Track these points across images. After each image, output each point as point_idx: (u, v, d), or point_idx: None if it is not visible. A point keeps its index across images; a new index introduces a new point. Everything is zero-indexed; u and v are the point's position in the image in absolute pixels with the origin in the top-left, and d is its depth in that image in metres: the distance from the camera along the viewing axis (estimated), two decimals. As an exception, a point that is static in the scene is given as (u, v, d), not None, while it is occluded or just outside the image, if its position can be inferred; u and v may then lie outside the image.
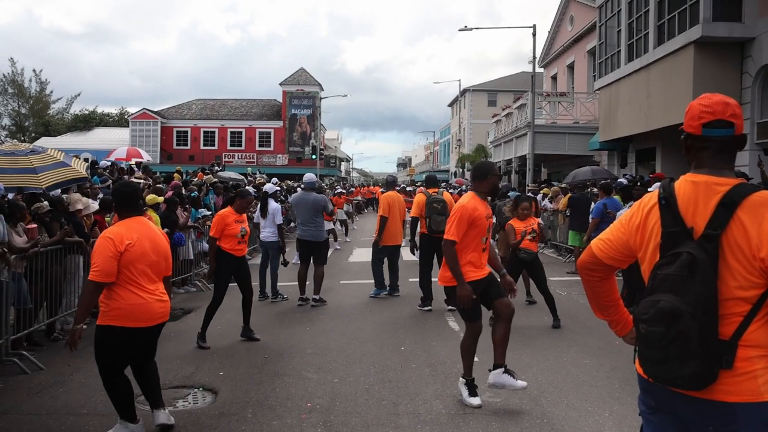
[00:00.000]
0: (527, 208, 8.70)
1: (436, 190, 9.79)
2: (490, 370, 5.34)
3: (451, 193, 20.21)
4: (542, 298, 8.58)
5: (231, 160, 50.44)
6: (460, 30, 28.92)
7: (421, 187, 13.12)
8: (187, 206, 11.50)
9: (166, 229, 9.68)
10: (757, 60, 15.93)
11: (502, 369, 5.28)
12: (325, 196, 10.99)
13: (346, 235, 20.43)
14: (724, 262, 2.11)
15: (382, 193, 11.32)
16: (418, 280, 9.82)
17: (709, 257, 2.10)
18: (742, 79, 16.58)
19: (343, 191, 26.34)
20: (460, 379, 5.40)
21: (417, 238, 10.14)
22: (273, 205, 10.37)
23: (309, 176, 10.12)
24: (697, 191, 2.22)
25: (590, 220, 11.54)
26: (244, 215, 7.91)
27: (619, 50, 21.55)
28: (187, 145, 53.77)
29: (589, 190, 15.20)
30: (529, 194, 13.69)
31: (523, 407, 5.25)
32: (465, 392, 5.29)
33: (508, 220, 9.07)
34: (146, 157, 21.63)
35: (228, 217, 7.64)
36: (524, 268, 8.64)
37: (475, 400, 5.21)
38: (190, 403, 5.47)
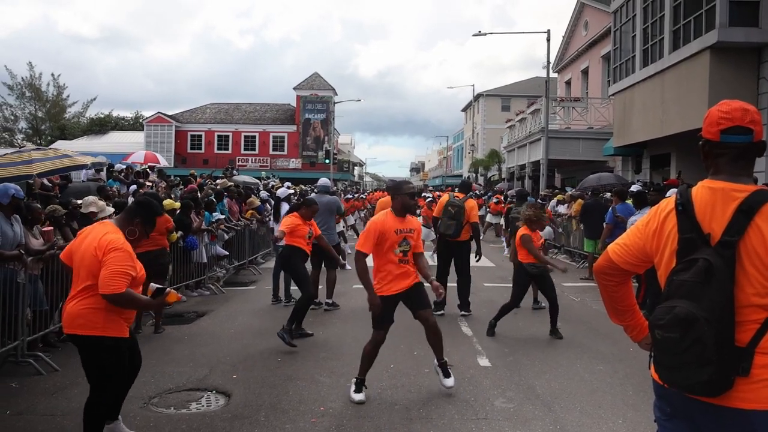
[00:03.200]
0: (542, 218, 8.52)
1: (463, 195, 9.69)
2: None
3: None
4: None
5: (245, 164, 50.65)
6: (474, 35, 28.97)
7: (450, 191, 13.03)
8: (201, 210, 11.53)
9: (179, 232, 9.76)
10: (774, 65, 15.82)
11: (437, 363, 5.80)
12: (337, 198, 11.01)
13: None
14: (741, 269, 2.10)
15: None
16: (429, 285, 9.80)
17: (726, 264, 2.10)
18: (759, 85, 16.45)
19: (350, 197, 26.18)
20: (353, 379, 5.66)
21: (433, 241, 10.13)
22: (286, 208, 10.40)
23: (323, 180, 10.18)
24: (714, 197, 2.21)
25: (604, 226, 11.51)
26: (312, 221, 8.34)
27: (634, 55, 21.46)
28: (201, 148, 54.08)
29: (602, 195, 15.11)
30: (538, 201, 13.69)
31: (536, 413, 5.23)
32: (352, 388, 5.59)
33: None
34: (163, 162, 21.76)
35: (295, 220, 8.13)
36: (532, 279, 8.31)
37: (358, 396, 5.50)
38: (203, 406, 5.49)
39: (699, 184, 2.31)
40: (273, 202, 15.97)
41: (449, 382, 5.70)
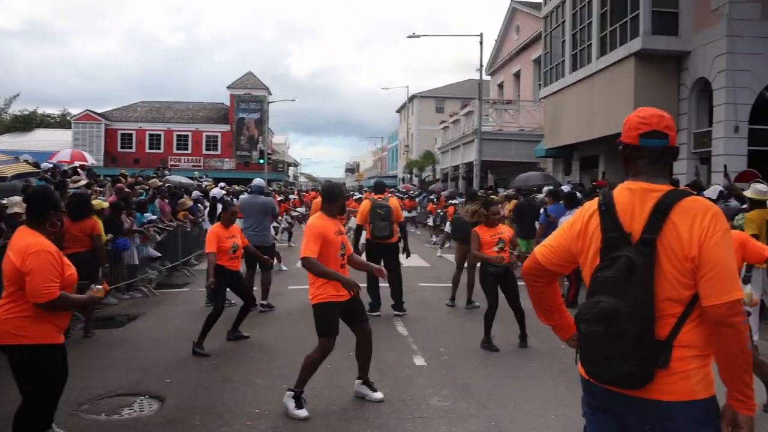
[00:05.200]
0: (497, 212, 7.90)
1: (383, 195, 9.84)
2: (288, 388, 5.40)
3: (400, 198, 20.23)
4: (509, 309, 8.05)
5: (177, 163, 49.57)
6: (408, 37, 29.21)
7: (368, 193, 13.03)
8: (132, 210, 11.26)
9: (110, 235, 9.51)
10: (693, 73, 16.54)
11: (361, 380, 5.68)
12: (272, 199, 10.92)
13: (289, 240, 20.10)
14: (658, 265, 2.22)
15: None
16: (363, 285, 9.86)
17: (646, 260, 2.22)
18: (679, 91, 17.18)
19: (283, 200, 25.91)
20: (288, 392, 5.35)
21: (360, 246, 10.14)
22: (221, 209, 10.26)
23: (258, 180, 10.09)
24: (633, 198, 2.34)
25: (537, 226, 11.80)
26: (233, 229, 7.84)
27: (564, 60, 22.07)
28: (132, 148, 52.64)
29: (534, 196, 15.46)
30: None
31: (471, 411, 5.33)
32: (291, 404, 5.25)
33: (471, 227, 8.15)
34: (91, 161, 21.10)
35: (220, 233, 7.56)
36: (497, 282, 7.75)
37: (302, 413, 5.20)
38: (136, 411, 5.37)
39: (620, 186, 2.44)
40: (206, 203, 15.75)
41: (378, 395, 5.57)
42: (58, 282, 3.82)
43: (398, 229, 9.58)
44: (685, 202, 2.24)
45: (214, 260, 7.37)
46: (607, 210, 2.37)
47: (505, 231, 7.94)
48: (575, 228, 2.49)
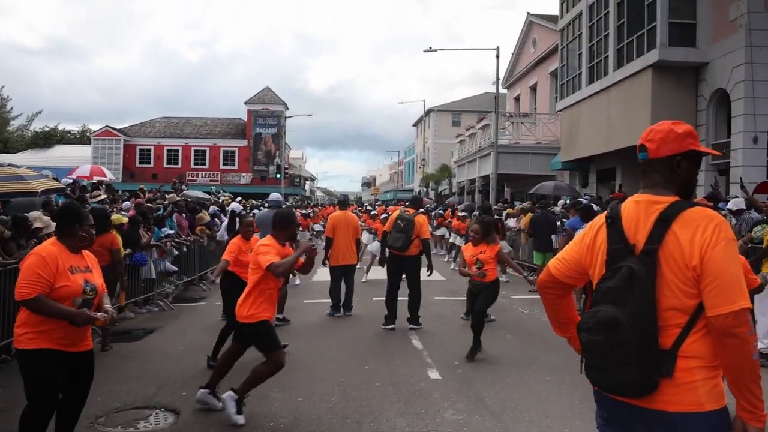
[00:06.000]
0: (477, 232, 7.84)
1: (413, 210, 9.89)
2: (232, 389, 5.41)
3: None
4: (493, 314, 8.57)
5: (194, 178, 49.98)
6: (425, 51, 29.29)
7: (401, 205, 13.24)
8: (150, 225, 11.36)
9: (128, 249, 9.60)
10: (711, 84, 16.45)
11: (234, 393, 5.39)
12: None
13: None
14: (661, 275, 2.23)
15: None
16: (381, 299, 9.87)
17: (648, 270, 2.23)
18: (697, 102, 17.09)
19: (309, 213, 26.10)
20: (231, 392, 5.38)
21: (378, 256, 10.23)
22: (240, 224, 10.33)
23: (275, 195, 10.18)
24: (638, 210, 2.36)
25: (553, 239, 11.79)
26: (253, 242, 7.77)
27: (581, 72, 22.04)
28: (150, 163, 53.20)
29: (551, 209, 15.41)
30: (494, 216, 13.89)
31: (485, 424, 5.29)
32: (233, 408, 5.30)
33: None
34: (109, 176, 21.33)
35: (241, 245, 7.58)
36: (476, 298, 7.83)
37: (240, 419, 5.26)
38: (151, 425, 5.40)
39: (628, 199, 2.46)
40: (223, 218, 15.85)
41: (240, 419, 5.30)
42: (39, 284, 3.92)
43: (421, 244, 9.56)
44: (688, 212, 2.25)
45: (225, 266, 7.46)
46: (613, 222, 2.40)
47: (487, 250, 7.73)
48: (585, 241, 2.51)
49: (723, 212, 9.49)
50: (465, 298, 10.24)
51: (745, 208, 9.94)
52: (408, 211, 9.80)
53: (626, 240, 2.33)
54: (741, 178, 13.23)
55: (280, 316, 9.69)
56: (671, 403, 2.20)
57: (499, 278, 8.45)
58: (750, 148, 15.04)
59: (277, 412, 5.63)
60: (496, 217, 14.20)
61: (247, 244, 7.62)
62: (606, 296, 2.29)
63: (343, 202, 11.70)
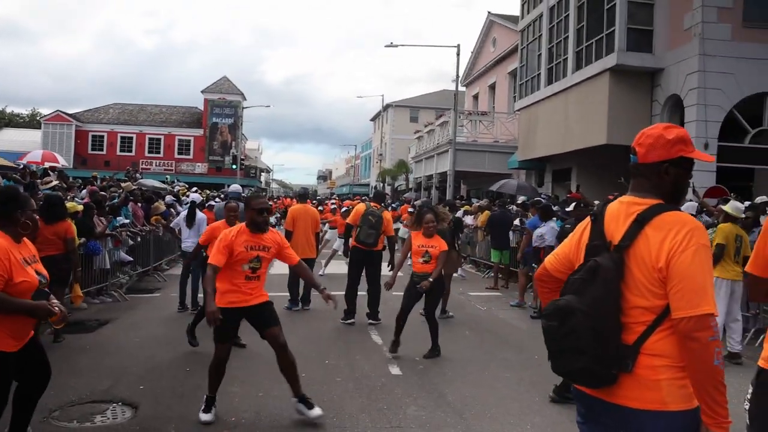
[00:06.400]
0: (430, 221, 7.45)
1: (379, 205, 9.88)
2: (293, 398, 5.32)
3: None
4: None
5: (149, 167, 49.07)
6: (386, 46, 29.30)
7: (360, 199, 13.14)
8: (107, 216, 11.10)
9: (82, 238, 9.36)
10: (666, 89, 16.85)
11: (297, 399, 5.31)
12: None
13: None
14: (630, 273, 2.30)
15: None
16: (339, 293, 9.84)
17: (615, 266, 2.30)
18: (652, 107, 17.48)
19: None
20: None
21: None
22: (200, 215, 10.19)
23: (235, 187, 10.08)
24: (620, 210, 2.42)
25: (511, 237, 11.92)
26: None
27: (540, 73, 22.31)
28: (102, 150, 51.97)
29: (510, 208, 15.58)
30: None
31: (448, 420, 5.34)
32: (201, 407, 5.28)
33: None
34: (62, 162, 20.77)
35: (221, 227, 7.52)
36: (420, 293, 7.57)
37: (206, 416, 5.19)
38: (108, 419, 5.28)
39: (616, 199, 2.51)
40: (179, 208, 15.60)
41: (315, 411, 5.24)
42: None
43: (385, 240, 9.63)
44: (664, 216, 2.29)
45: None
46: (596, 220, 2.48)
47: (437, 246, 7.47)
48: (575, 237, 2.59)
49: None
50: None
51: (695, 213, 10.21)
52: (375, 206, 9.80)
53: (604, 237, 2.40)
54: (693, 182, 13.58)
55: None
56: (633, 398, 2.26)
57: (459, 275, 8.50)
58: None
59: (238, 407, 5.57)
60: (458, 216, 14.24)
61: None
62: (571, 287, 2.38)
63: (303, 195, 11.59)
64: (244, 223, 5.40)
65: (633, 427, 2.27)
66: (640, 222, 2.30)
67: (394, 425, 5.19)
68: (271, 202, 33.06)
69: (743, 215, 8.59)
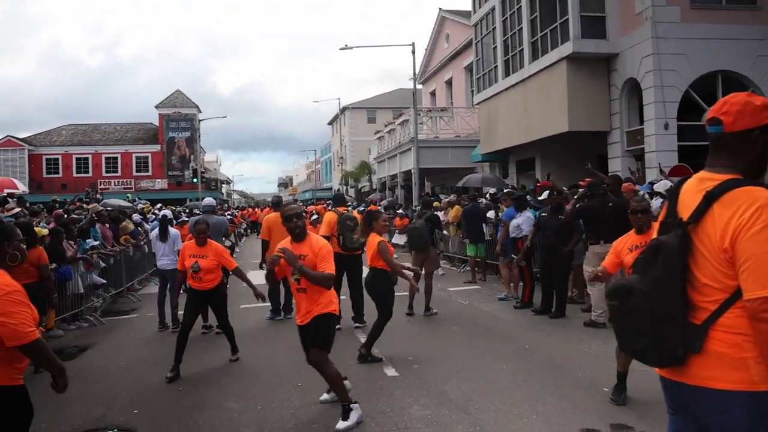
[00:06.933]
0: (386, 220, 7.71)
1: (346, 208, 9.81)
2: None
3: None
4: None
5: (107, 187, 48.18)
6: (341, 49, 29.19)
7: (324, 205, 12.99)
8: (76, 239, 10.83)
9: (53, 264, 9.11)
10: (622, 73, 17.12)
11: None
12: (224, 218, 10.73)
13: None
14: (698, 252, 2.22)
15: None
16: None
17: (680, 244, 2.22)
18: (610, 91, 17.74)
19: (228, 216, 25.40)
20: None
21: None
22: (173, 231, 10.00)
23: (209, 200, 9.92)
24: (693, 186, 2.34)
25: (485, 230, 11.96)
26: (205, 248, 7.53)
27: (496, 66, 22.48)
28: (58, 173, 50.90)
29: (480, 201, 15.65)
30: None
31: (453, 417, 5.31)
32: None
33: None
34: (22, 188, 20.22)
35: (190, 246, 7.65)
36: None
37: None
38: (107, 446, 5.15)
39: (694, 175, 2.43)
40: (146, 225, 15.33)
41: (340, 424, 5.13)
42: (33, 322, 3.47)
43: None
44: (736, 192, 2.15)
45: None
46: (671, 197, 2.42)
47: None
48: (660, 218, 2.51)
49: (643, 193, 9.83)
50: (407, 293, 10.20)
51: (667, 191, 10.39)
52: (343, 210, 9.74)
53: (676, 214, 2.33)
54: (659, 163, 13.85)
55: (207, 324, 9.46)
56: (715, 379, 2.15)
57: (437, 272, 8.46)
58: (662, 134, 15.73)
59: (239, 423, 5.47)
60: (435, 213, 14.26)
61: (200, 249, 7.45)
62: (636, 267, 2.33)
63: (277, 203, 11.46)
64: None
65: (717, 411, 2.17)
66: (708, 199, 2.19)
67: (401, 427, 5.15)
68: (234, 212, 32.73)
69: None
